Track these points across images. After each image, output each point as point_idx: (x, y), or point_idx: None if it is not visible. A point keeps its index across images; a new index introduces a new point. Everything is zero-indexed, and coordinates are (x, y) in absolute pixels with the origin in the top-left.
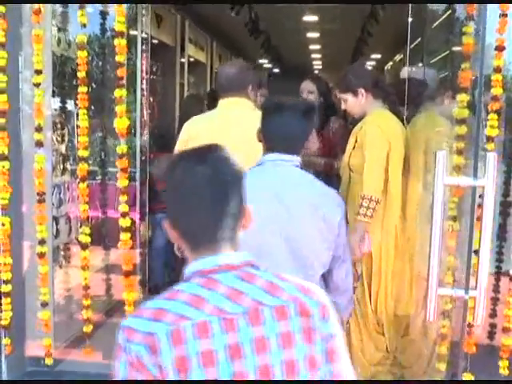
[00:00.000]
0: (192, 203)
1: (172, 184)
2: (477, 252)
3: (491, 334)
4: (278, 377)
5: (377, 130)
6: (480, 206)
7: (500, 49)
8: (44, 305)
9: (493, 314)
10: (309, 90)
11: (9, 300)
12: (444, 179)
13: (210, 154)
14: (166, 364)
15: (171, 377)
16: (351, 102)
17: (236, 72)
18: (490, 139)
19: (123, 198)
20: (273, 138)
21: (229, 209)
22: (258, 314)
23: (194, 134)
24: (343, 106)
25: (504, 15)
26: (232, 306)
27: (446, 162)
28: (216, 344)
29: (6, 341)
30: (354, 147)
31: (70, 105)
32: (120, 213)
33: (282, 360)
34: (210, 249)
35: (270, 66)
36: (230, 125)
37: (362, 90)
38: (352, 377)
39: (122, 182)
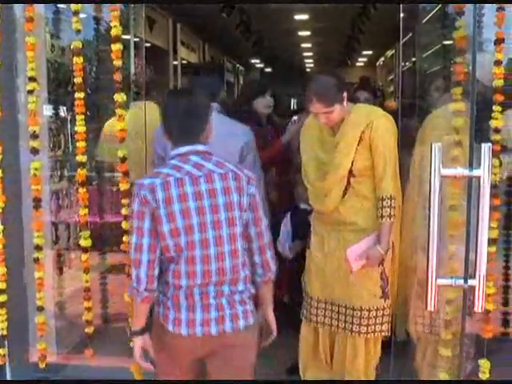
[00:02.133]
0: (178, 115)
1: (167, 106)
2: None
3: (504, 323)
4: (221, 210)
5: (391, 127)
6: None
7: (499, 42)
8: (40, 309)
9: (505, 303)
10: None
11: (4, 310)
12: (441, 170)
13: (189, 92)
14: (159, 199)
15: (162, 209)
16: (338, 110)
17: None
18: (496, 130)
19: (125, 201)
20: None
21: (198, 122)
22: (211, 177)
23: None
24: (325, 120)
25: (501, 8)
26: (196, 171)
27: (441, 154)
28: (188, 190)
29: (2, 351)
30: (355, 151)
31: (64, 111)
32: (123, 215)
33: (225, 201)
34: (185, 143)
35: (261, 65)
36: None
37: (345, 94)
38: (265, 223)
39: (124, 186)
